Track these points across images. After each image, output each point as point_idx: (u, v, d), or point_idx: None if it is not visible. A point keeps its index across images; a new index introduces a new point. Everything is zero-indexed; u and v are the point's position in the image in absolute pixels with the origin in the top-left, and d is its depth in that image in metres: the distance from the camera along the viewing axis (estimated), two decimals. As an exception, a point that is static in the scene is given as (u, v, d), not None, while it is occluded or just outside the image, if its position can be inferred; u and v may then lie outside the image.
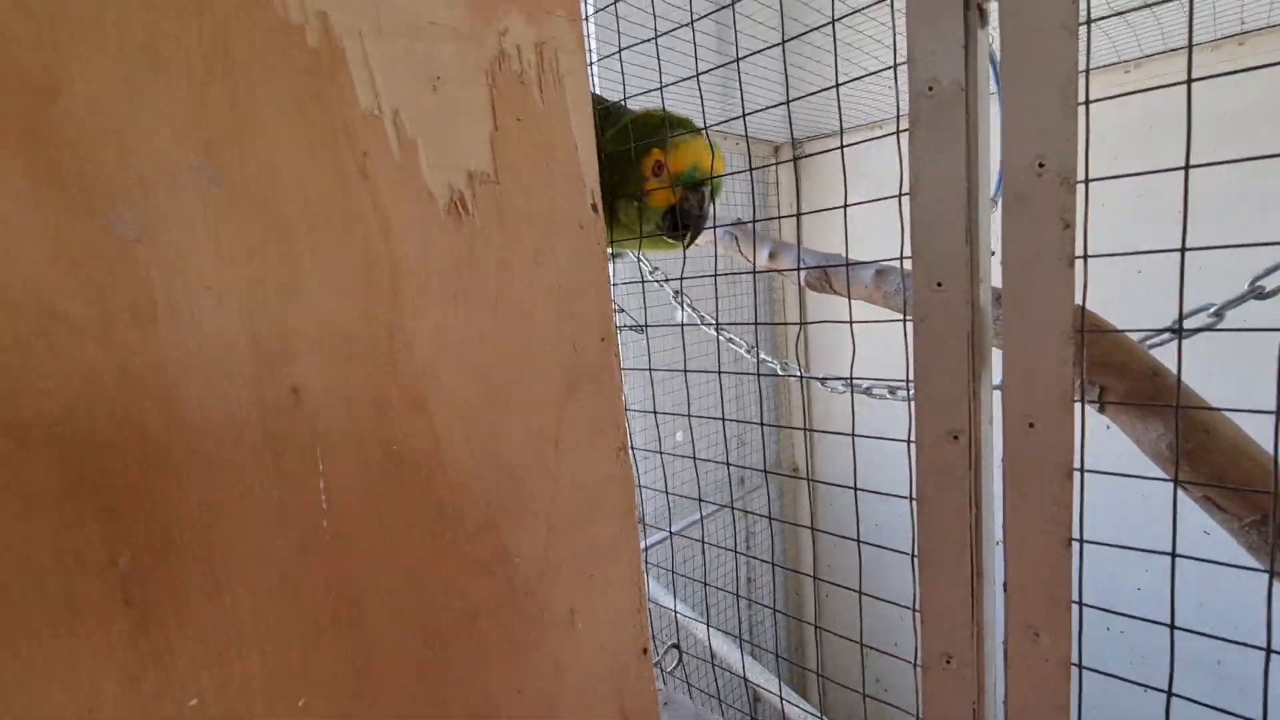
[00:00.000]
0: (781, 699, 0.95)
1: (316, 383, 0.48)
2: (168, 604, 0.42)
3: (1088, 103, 0.47)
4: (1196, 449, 0.53)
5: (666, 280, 1.52)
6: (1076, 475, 0.51)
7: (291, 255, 0.47)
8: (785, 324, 2.81)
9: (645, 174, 0.94)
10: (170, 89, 0.42)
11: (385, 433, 0.52)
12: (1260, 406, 0.49)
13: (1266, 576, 0.54)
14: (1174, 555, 0.52)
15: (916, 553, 0.57)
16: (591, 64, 1.96)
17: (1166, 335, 0.83)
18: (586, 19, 2.22)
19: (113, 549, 0.40)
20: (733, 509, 3.00)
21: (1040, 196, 0.47)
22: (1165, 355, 0.80)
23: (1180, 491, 0.58)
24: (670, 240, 0.99)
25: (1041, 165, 0.47)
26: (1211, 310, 0.87)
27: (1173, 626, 0.53)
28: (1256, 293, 0.82)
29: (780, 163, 2.91)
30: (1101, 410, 0.62)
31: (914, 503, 0.54)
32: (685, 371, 1.11)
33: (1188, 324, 0.88)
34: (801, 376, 1.54)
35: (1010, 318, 0.49)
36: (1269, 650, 0.47)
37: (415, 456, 0.54)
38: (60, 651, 0.38)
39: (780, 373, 1.55)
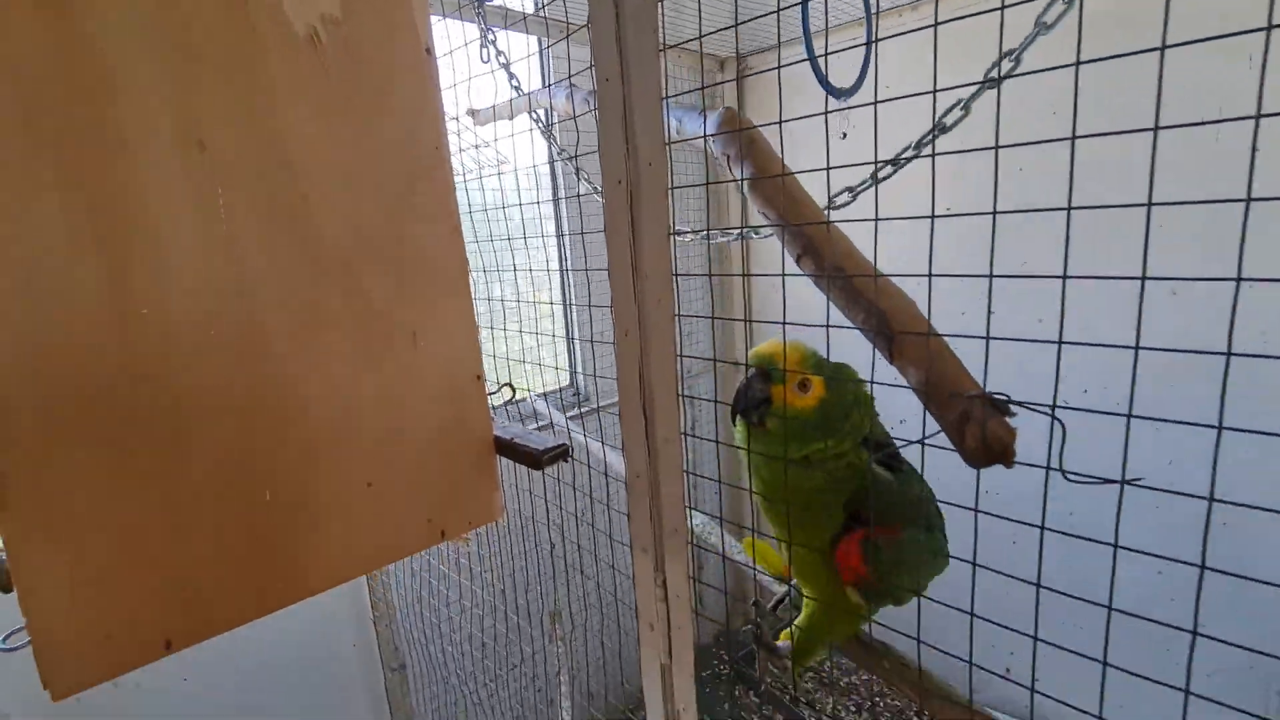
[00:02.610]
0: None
1: (214, 139, 0.78)
2: (123, 230, 0.73)
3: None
4: (816, 249, 0.78)
5: (576, 165, 1.79)
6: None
7: (195, 58, 0.76)
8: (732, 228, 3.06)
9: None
10: (111, -57, 0.70)
11: (265, 181, 0.82)
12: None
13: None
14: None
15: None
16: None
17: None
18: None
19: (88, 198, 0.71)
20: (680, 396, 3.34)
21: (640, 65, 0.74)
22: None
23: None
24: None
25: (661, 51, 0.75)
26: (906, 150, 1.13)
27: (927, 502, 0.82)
28: (940, 127, 1.09)
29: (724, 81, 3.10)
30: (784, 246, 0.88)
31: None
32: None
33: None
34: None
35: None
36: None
37: (287, 203, 0.84)
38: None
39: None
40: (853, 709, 3.01)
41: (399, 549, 1.00)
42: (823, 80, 1.73)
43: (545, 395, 2.60)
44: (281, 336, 0.85)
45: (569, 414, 2.36)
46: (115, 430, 0.74)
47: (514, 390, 1.17)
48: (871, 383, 0.58)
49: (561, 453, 1.02)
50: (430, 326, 1.00)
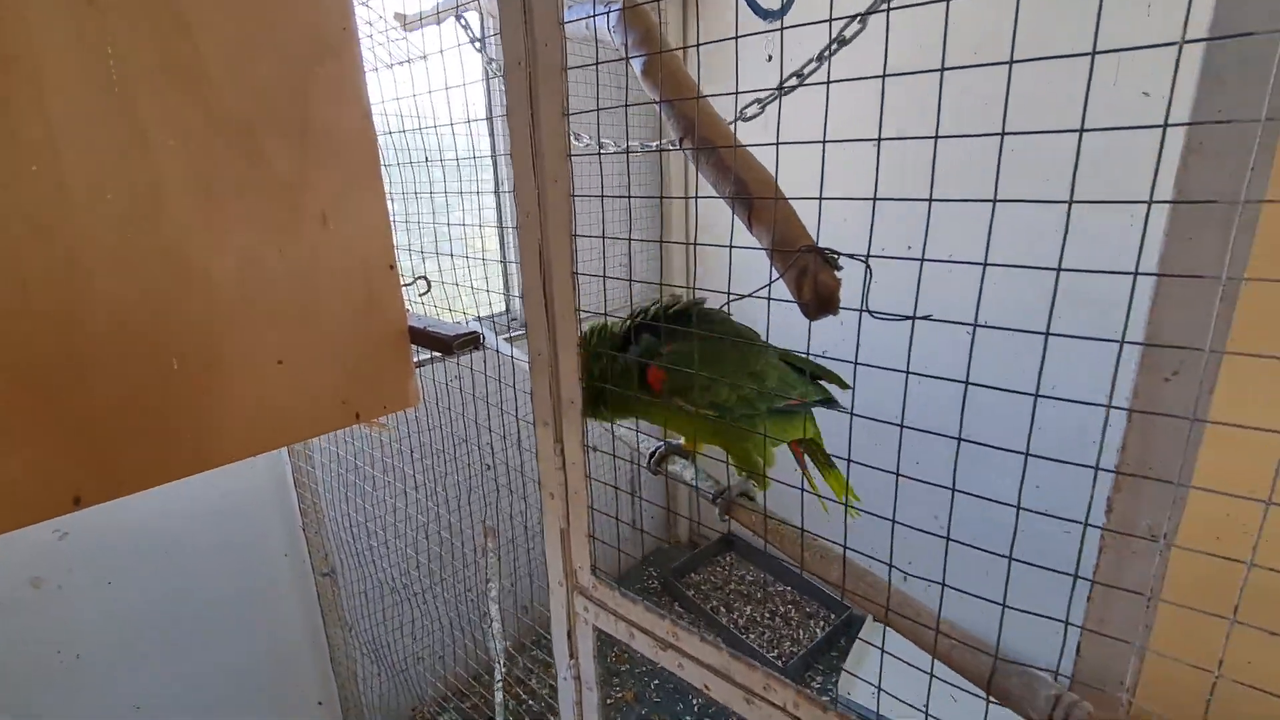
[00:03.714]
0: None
1: (103, -6, 0.77)
2: (17, 89, 0.72)
3: None
4: (693, 128, 0.83)
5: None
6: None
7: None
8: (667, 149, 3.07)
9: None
10: None
11: (158, 39, 0.82)
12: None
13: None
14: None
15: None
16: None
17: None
18: None
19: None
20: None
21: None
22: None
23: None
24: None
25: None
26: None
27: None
28: (839, 40, 1.14)
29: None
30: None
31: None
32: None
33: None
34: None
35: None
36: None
37: (186, 67, 0.84)
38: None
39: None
40: (768, 616, 3.27)
41: (312, 426, 1.04)
42: (751, 2, 1.75)
43: (480, 319, 2.65)
44: (180, 200, 0.86)
45: (503, 336, 2.40)
46: (11, 279, 0.75)
47: (429, 283, 1.20)
48: (731, 246, 0.65)
49: (472, 339, 1.07)
50: (341, 210, 1.02)
